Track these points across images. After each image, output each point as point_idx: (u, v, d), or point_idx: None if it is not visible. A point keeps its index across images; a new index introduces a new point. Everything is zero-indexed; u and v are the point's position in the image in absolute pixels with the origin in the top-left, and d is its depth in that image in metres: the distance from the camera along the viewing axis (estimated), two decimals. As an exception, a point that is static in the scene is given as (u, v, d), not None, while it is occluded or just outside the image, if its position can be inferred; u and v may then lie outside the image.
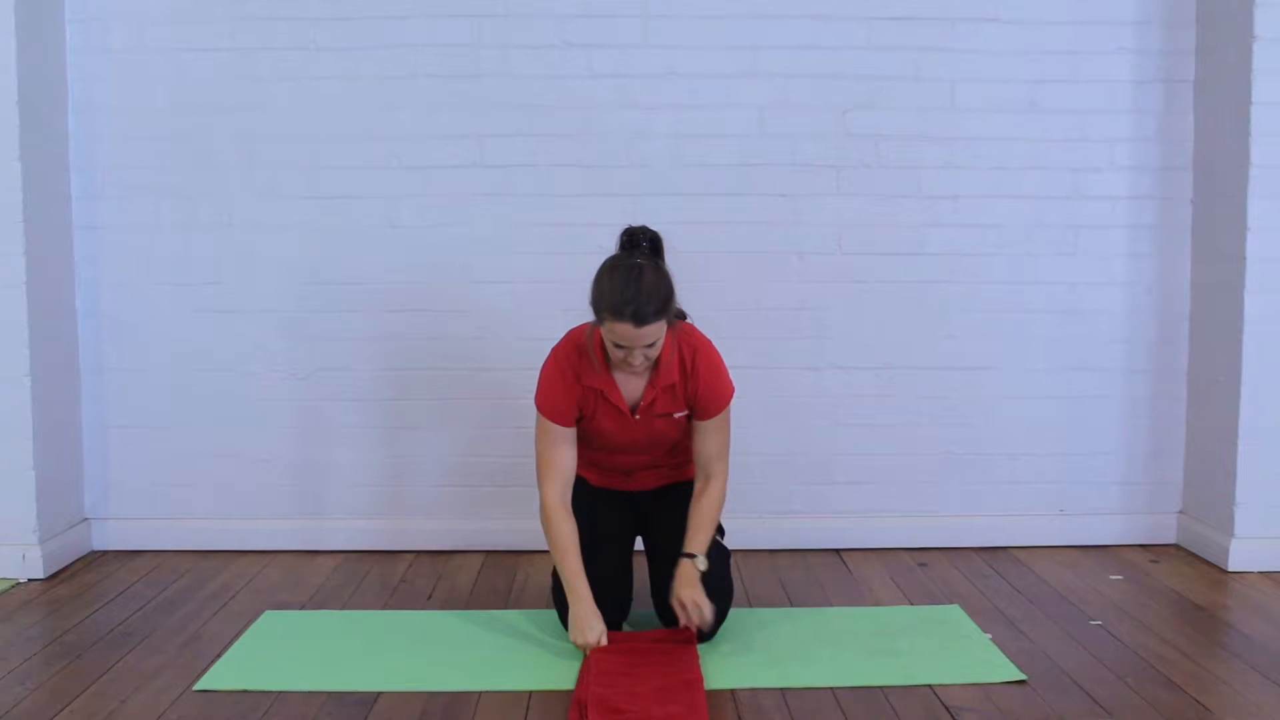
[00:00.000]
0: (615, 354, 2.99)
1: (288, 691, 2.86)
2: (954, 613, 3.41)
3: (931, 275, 4.05)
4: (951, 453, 4.11)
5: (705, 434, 3.17)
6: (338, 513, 4.09)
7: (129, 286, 4.02)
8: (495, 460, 4.05)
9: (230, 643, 3.19)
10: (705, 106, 3.99)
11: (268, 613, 3.43)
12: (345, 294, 4.03)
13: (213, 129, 3.98)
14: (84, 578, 3.78)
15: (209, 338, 4.03)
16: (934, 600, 3.55)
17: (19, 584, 3.71)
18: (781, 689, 2.87)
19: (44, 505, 3.78)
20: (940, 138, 4.01)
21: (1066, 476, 4.13)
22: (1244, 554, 3.80)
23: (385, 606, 3.53)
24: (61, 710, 2.74)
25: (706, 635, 3.14)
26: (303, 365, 4.05)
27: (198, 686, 2.88)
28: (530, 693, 2.85)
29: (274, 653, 3.13)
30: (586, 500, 3.27)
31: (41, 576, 3.75)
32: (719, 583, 3.19)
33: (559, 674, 2.95)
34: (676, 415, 3.16)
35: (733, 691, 2.86)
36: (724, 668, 2.99)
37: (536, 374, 3.17)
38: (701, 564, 3.08)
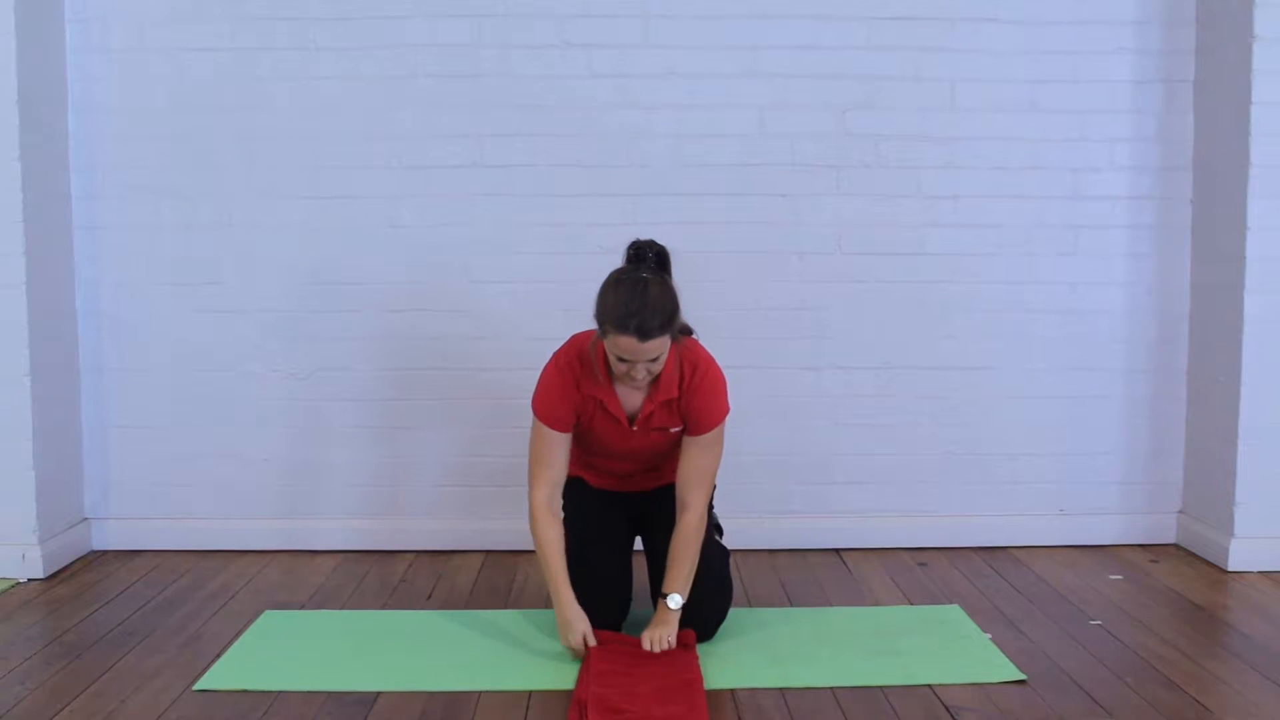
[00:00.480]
0: (618, 367, 2.97)
1: (287, 691, 2.86)
2: (954, 613, 3.41)
3: (931, 275, 4.05)
4: (951, 453, 4.11)
5: (691, 452, 3.11)
6: (337, 513, 4.09)
7: (129, 286, 4.02)
8: (495, 460, 4.05)
9: (230, 643, 3.19)
10: (705, 106, 3.99)
11: (267, 613, 3.43)
12: (345, 294, 4.03)
13: (213, 129, 3.98)
14: (84, 578, 3.79)
15: (209, 338, 4.03)
16: (934, 600, 3.55)
17: (19, 584, 3.71)
18: (781, 689, 2.87)
19: (44, 505, 3.78)
20: (940, 138, 4.02)
21: (1066, 476, 4.13)
22: (1244, 554, 3.80)
23: (385, 606, 3.53)
24: (61, 710, 2.74)
25: (706, 635, 3.15)
26: (302, 365, 4.05)
27: (197, 686, 2.88)
28: (530, 693, 2.85)
29: (274, 653, 3.13)
30: (585, 501, 3.27)
31: (41, 576, 3.75)
32: (719, 582, 3.19)
33: (559, 674, 2.95)
34: (673, 430, 3.14)
35: (733, 691, 2.86)
36: (724, 668, 2.99)
37: (536, 374, 3.17)
38: (675, 603, 3.05)
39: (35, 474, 3.75)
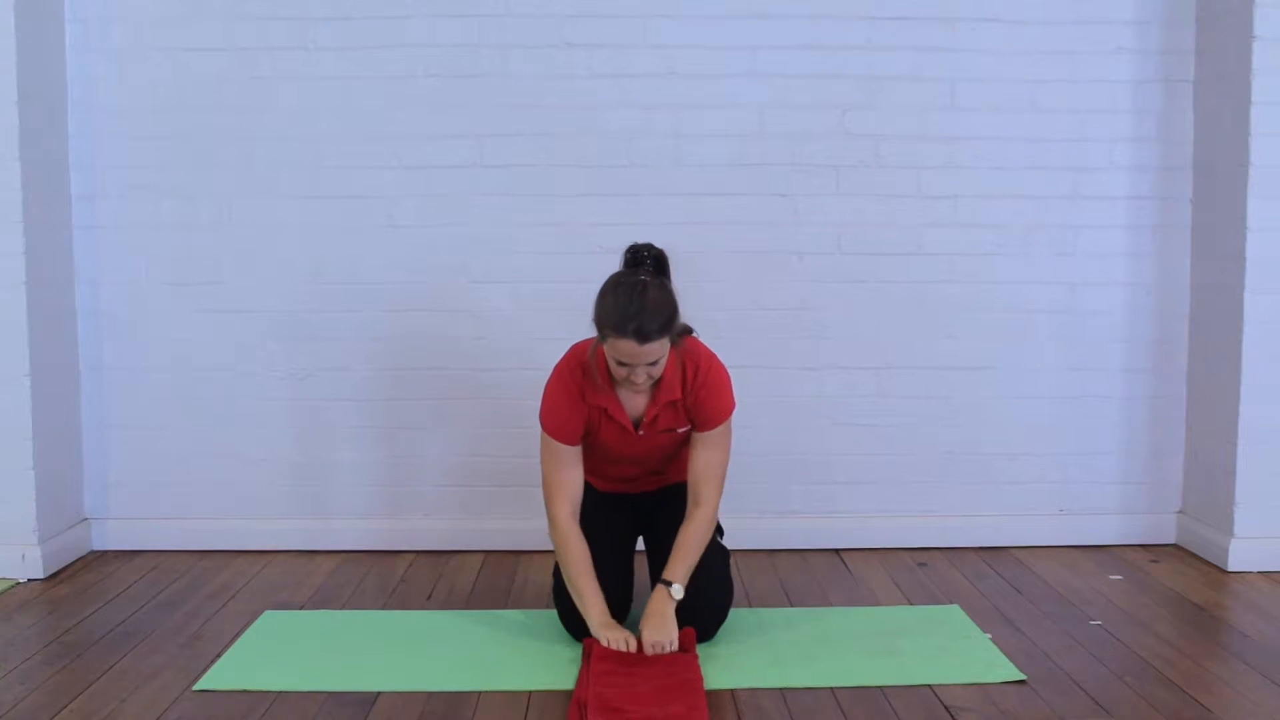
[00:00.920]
0: (618, 371, 2.97)
1: (288, 691, 2.85)
2: (954, 613, 3.41)
3: (931, 275, 4.05)
4: (951, 453, 4.11)
5: (700, 448, 3.12)
6: (338, 512, 4.09)
7: (129, 286, 4.02)
8: (495, 460, 4.05)
9: (230, 643, 3.19)
10: (705, 106, 3.99)
11: (267, 612, 3.43)
12: (345, 294, 4.03)
13: (213, 129, 3.98)
14: (84, 578, 3.78)
15: (209, 338, 4.03)
16: (934, 600, 3.55)
17: (19, 584, 3.71)
18: (781, 689, 2.87)
19: (44, 505, 3.78)
20: (940, 138, 4.02)
21: (1066, 476, 4.13)
22: (1243, 554, 3.80)
23: (385, 606, 3.53)
24: (61, 710, 2.74)
25: (707, 635, 3.15)
26: (303, 365, 4.05)
27: (198, 686, 2.88)
28: (530, 693, 2.85)
29: (274, 652, 3.13)
30: (589, 503, 3.26)
31: (41, 576, 3.75)
32: (719, 582, 3.19)
33: (559, 674, 2.95)
34: (679, 430, 3.15)
35: (733, 691, 2.86)
36: (724, 668, 2.99)
37: (537, 374, 3.16)
38: (677, 593, 3.05)
39: (35, 474, 3.74)
